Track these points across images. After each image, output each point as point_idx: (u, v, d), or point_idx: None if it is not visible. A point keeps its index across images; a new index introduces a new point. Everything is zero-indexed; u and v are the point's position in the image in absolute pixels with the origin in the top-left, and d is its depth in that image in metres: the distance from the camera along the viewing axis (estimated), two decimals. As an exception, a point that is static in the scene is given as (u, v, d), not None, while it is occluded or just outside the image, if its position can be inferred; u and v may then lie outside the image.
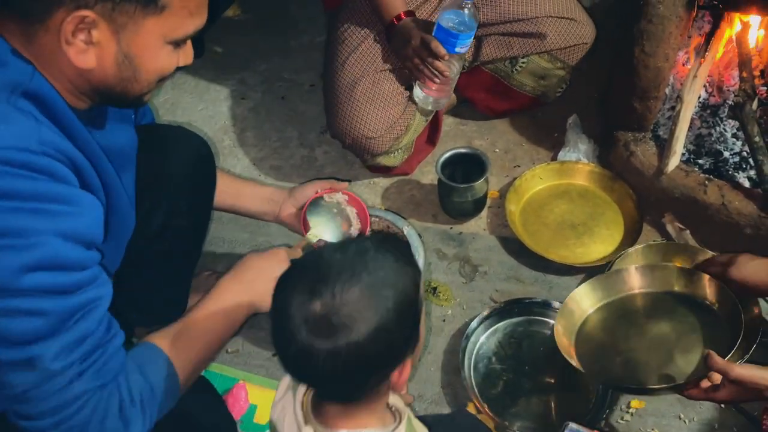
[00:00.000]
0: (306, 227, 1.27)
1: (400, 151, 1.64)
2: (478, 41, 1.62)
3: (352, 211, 1.32)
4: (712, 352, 1.01)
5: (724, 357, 1.03)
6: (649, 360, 1.19)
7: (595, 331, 1.26)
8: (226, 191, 1.29)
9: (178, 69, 0.90)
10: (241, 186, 1.32)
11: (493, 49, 1.62)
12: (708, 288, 1.23)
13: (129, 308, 1.23)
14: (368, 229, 1.30)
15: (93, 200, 0.81)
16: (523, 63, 1.64)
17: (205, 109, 1.96)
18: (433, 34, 1.38)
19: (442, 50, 1.38)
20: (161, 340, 0.94)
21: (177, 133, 1.20)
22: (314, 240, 1.26)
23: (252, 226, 1.64)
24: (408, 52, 1.46)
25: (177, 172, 1.15)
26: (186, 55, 0.89)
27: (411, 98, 1.56)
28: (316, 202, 1.28)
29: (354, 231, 1.31)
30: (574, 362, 1.18)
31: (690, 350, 1.18)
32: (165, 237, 1.17)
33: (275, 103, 1.96)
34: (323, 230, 1.28)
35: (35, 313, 0.74)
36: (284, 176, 1.77)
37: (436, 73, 1.43)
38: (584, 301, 1.29)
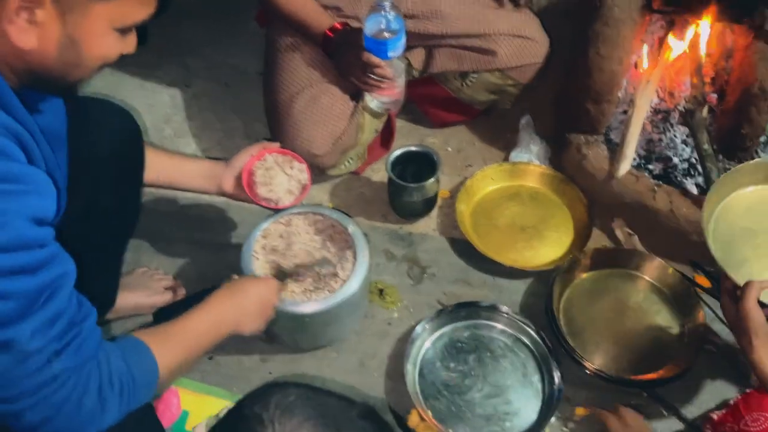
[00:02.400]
0: (253, 193, 1.26)
1: (351, 161, 1.59)
2: (429, 51, 1.58)
3: (293, 165, 1.31)
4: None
5: None
6: None
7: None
8: (165, 167, 1.24)
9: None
10: (180, 161, 1.28)
11: (443, 60, 1.57)
12: None
13: None
14: (311, 179, 1.31)
15: (43, 176, 0.77)
16: (473, 78, 1.60)
17: (146, 97, 1.86)
18: (364, 44, 1.33)
19: (374, 60, 1.34)
20: (148, 337, 0.92)
21: (101, 106, 1.14)
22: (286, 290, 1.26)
23: (191, 222, 1.57)
24: (346, 66, 1.41)
25: (100, 147, 1.08)
26: (130, 43, 0.85)
27: (356, 109, 1.50)
28: (257, 166, 1.28)
29: (303, 182, 1.30)
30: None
31: None
32: (90, 218, 1.10)
33: (219, 90, 1.87)
34: (275, 189, 1.28)
35: (3, 296, 0.71)
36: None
37: (380, 79, 1.38)
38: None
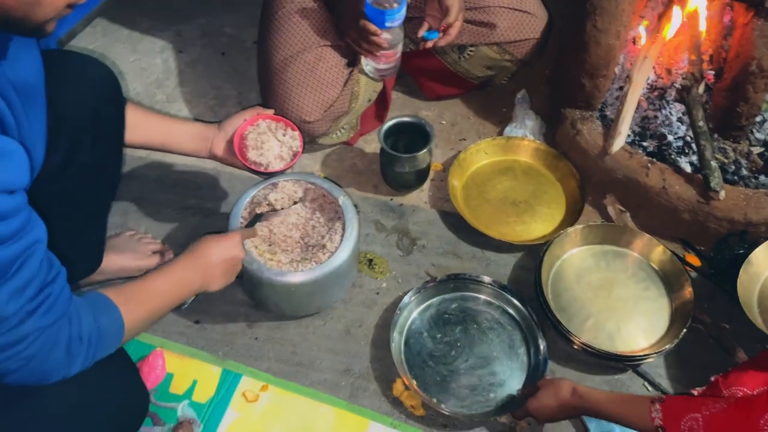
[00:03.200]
0: (243, 157, 1.26)
1: (343, 130, 1.57)
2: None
3: (286, 132, 1.30)
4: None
5: None
6: None
7: None
8: (154, 129, 1.23)
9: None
10: (170, 124, 1.26)
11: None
12: None
13: None
14: (302, 147, 1.30)
15: (17, 146, 0.76)
16: (471, 51, 1.58)
17: (137, 61, 1.84)
18: (364, 10, 1.31)
19: (371, 27, 1.32)
20: (116, 295, 0.94)
21: (79, 59, 1.11)
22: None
23: (180, 187, 1.55)
24: (345, 28, 1.39)
25: (79, 101, 1.06)
26: None
27: (352, 76, 1.48)
28: (251, 131, 1.27)
29: (294, 149, 1.29)
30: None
31: None
32: (68, 174, 1.10)
33: (214, 58, 1.85)
34: (265, 154, 1.27)
35: None
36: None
37: (375, 46, 1.36)
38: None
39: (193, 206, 1.52)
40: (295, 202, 1.32)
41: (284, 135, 1.30)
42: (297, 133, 1.30)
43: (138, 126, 1.18)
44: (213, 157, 1.27)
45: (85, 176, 1.12)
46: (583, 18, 1.47)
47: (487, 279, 1.38)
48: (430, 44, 1.46)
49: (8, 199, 0.73)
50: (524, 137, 1.63)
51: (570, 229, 1.43)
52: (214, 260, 1.11)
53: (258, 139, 1.28)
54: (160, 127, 1.22)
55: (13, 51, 0.84)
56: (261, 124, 1.29)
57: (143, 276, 1.02)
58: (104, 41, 1.87)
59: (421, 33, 1.43)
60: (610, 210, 1.51)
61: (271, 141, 1.28)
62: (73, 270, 1.26)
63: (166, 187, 1.55)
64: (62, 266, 0.84)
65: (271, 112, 1.31)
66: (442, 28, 1.42)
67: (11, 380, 0.79)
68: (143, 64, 1.83)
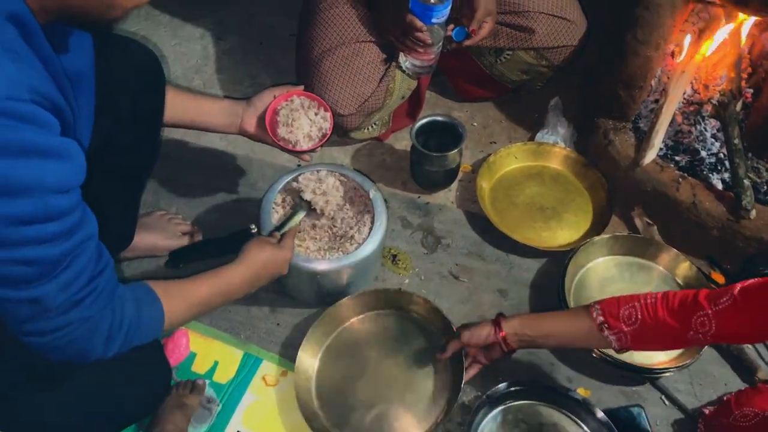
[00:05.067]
0: (273, 132, 1.25)
1: (375, 126, 1.59)
2: None
3: (318, 111, 1.29)
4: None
5: None
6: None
7: None
8: (186, 107, 1.24)
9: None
10: (201, 101, 1.27)
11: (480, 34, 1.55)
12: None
13: None
14: (332, 128, 1.28)
15: (76, 147, 0.78)
16: (507, 55, 1.59)
17: (178, 45, 1.87)
18: (410, 5, 1.32)
19: (417, 23, 1.32)
20: (162, 289, 0.97)
21: (125, 43, 1.13)
22: (301, 216, 1.27)
23: (209, 170, 1.58)
24: (387, 23, 1.40)
25: (123, 84, 1.08)
26: None
27: (388, 72, 1.49)
28: (283, 107, 1.26)
29: (324, 130, 1.28)
30: None
31: None
32: (108, 153, 1.11)
33: (253, 48, 1.88)
34: (294, 131, 1.26)
35: (30, 263, 0.74)
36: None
37: (418, 43, 1.37)
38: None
39: (224, 189, 1.55)
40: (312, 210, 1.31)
41: (316, 114, 1.28)
42: (329, 114, 1.29)
43: (170, 105, 1.19)
44: (243, 132, 1.27)
45: (124, 155, 1.14)
46: (623, 28, 1.47)
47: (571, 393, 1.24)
48: (455, 45, 1.45)
49: (64, 199, 0.75)
50: (555, 144, 1.63)
51: (596, 239, 1.43)
52: (266, 270, 1.14)
53: (290, 116, 1.26)
54: (191, 104, 1.23)
55: (71, 42, 0.87)
56: (295, 100, 1.27)
57: (193, 277, 1.04)
58: (146, 25, 1.90)
59: (450, 32, 1.42)
60: (638, 222, 1.51)
61: (302, 119, 1.27)
62: (105, 245, 1.30)
63: (198, 169, 1.57)
64: (110, 257, 0.86)
65: (301, 88, 1.30)
66: (472, 29, 1.42)
67: (54, 357, 0.84)
68: (183, 49, 1.86)
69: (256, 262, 1.13)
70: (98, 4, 0.76)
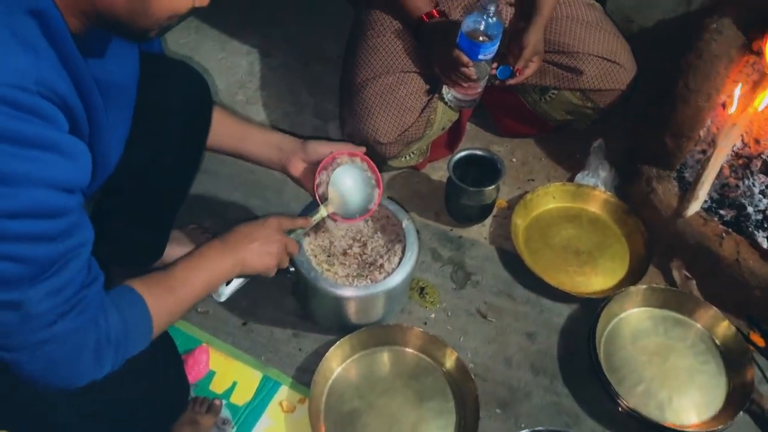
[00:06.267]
0: (318, 192, 1.19)
1: (412, 155, 1.57)
2: None
3: (371, 182, 1.23)
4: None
5: None
6: None
7: None
8: (232, 133, 1.21)
9: (194, 10, 0.82)
10: (249, 129, 1.23)
11: (526, 72, 1.51)
12: None
13: (104, 241, 1.19)
14: (377, 204, 1.23)
15: (83, 147, 0.76)
16: (553, 94, 1.56)
17: (224, 59, 1.89)
18: (457, 40, 1.31)
19: (464, 59, 1.30)
20: (140, 285, 0.91)
21: (176, 65, 1.13)
22: (325, 213, 1.18)
23: (247, 187, 1.58)
24: (433, 56, 1.39)
25: (170, 105, 1.08)
26: None
27: (430, 103, 1.48)
28: (340, 170, 1.19)
29: (370, 205, 1.23)
30: None
31: None
32: (150, 171, 1.12)
33: (298, 66, 1.89)
34: (342, 200, 1.20)
35: (19, 260, 0.70)
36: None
37: (463, 78, 1.35)
38: None
39: (258, 207, 1.55)
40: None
41: (365, 184, 1.23)
42: (379, 191, 1.23)
43: (216, 130, 1.18)
44: (285, 171, 1.23)
45: (163, 174, 1.14)
46: (674, 75, 1.44)
47: None
48: (499, 83, 1.44)
49: (63, 198, 0.72)
50: (595, 187, 1.59)
51: (632, 288, 1.39)
52: (246, 240, 1.06)
53: (340, 179, 1.20)
54: (238, 132, 1.21)
55: (111, 50, 0.86)
56: (350, 163, 1.21)
57: (171, 264, 0.99)
58: (196, 37, 1.93)
59: (494, 70, 1.40)
60: (676, 275, 1.46)
61: (350, 185, 1.21)
62: (136, 258, 1.31)
63: (234, 185, 1.58)
64: (101, 271, 0.83)
65: (363, 150, 1.24)
66: (518, 68, 1.40)
67: (40, 382, 0.78)
68: (229, 63, 1.88)
69: (230, 233, 1.06)
70: (129, 11, 0.76)
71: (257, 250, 1.07)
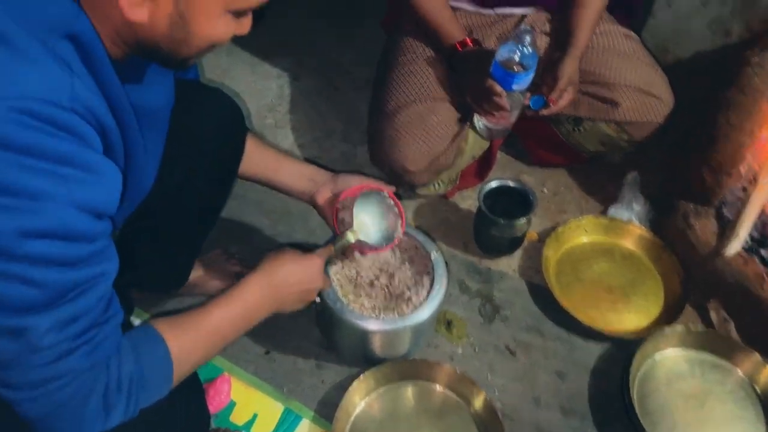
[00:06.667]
0: (337, 223, 1.18)
1: (441, 183, 1.55)
2: None
3: (394, 210, 1.22)
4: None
5: None
6: None
7: None
8: (266, 163, 1.20)
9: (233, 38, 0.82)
10: (283, 160, 1.22)
11: (560, 102, 1.47)
12: None
13: (128, 265, 1.18)
14: (399, 239, 1.21)
15: (114, 170, 0.74)
16: (587, 125, 1.53)
17: (255, 83, 1.89)
18: (490, 69, 1.28)
19: (497, 88, 1.28)
20: (166, 327, 0.86)
21: (210, 92, 1.12)
22: (352, 239, 1.16)
23: (276, 214, 1.56)
24: (466, 84, 1.37)
25: (203, 132, 1.06)
26: (244, 25, 0.80)
27: (461, 132, 1.46)
28: (361, 198, 1.17)
29: (391, 238, 1.20)
30: None
31: None
32: (181, 197, 1.10)
33: (328, 91, 1.88)
34: (365, 229, 1.17)
35: (32, 283, 0.66)
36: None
37: (495, 107, 1.32)
38: None
39: (285, 234, 1.53)
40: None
41: (387, 213, 1.20)
42: (401, 225, 1.21)
43: (249, 158, 1.17)
44: (313, 203, 1.22)
45: (195, 201, 1.13)
46: (715, 110, 1.40)
47: None
48: (532, 113, 1.41)
49: (89, 221, 0.69)
50: (629, 221, 1.55)
51: (668, 329, 1.34)
52: (290, 284, 1.02)
53: (362, 209, 1.17)
54: (272, 162, 1.20)
55: (148, 76, 0.86)
56: (375, 197, 1.19)
57: (206, 302, 0.93)
58: (227, 60, 1.94)
59: (527, 100, 1.38)
60: (713, 316, 1.41)
61: (372, 217, 1.19)
62: (159, 283, 1.29)
63: (262, 211, 1.56)
64: (121, 310, 0.78)
65: (392, 189, 1.21)
66: (551, 99, 1.37)
67: (42, 428, 0.73)
68: (259, 86, 1.88)
69: (276, 266, 1.00)
70: (171, 40, 0.75)
71: (298, 296, 1.05)
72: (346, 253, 1.26)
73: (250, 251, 1.49)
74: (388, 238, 1.20)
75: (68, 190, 0.66)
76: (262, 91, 1.87)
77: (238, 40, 1.97)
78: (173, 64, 0.81)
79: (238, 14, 0.78)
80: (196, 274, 1.36)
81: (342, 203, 1.18)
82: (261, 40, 1.99)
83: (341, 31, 2.05)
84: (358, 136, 1.75)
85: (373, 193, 1.19)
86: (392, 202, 1.21)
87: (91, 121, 0.70)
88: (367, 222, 1.18)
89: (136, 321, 1.34)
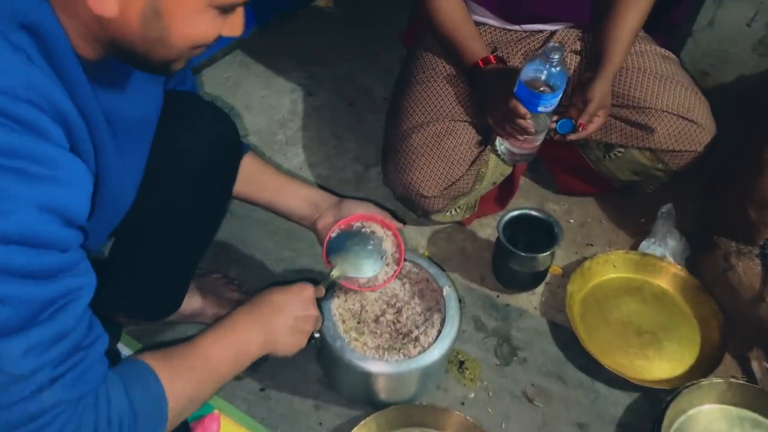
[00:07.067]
0: (327, 255, 1.09)
1: (459, 210, 1.44)
2: None
3: (390, 251, 1.13)
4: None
5: None
6: None
7: None
8: (264, 184, 1.12)
9: (222, 40, 0.74)
10: (283, 181, 1.14)
11: (590, 126, 1.35)
12: None
13: (116, 292, 1.11)
14: (396, 274, 1.11)
15: (82, 169, 0.65)
16: (619, 152, 1.41)
17: (267, 97, 1.81)
18: (514, 89, 1.18)
19: (521, 110, 1.17)
20: (156, 361, 0.78)
21: (204, 106, 1.03)
22: (337, 277, 1.08)
23: (280, 236, 1.47)
24: (488, 104, 1.27)
25: (193, 149, 0.97)
26: (233, 26, 0.72)
27: (481, 156, 1.35)
28: (352, 228, 1.11)
29: (389, 272, 1.11)
30: None
31: None
32: (168, 218, 1.02)
33: (343, 107, 1.79)
34: (349, 266, 1.09)
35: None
36: (329, 188, 1.58)
37: (519, 130, 1.22)
38: None
39: (287, 259, 1.43)
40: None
41: (386, 249, 1.13)
42: (400, 259, 1.12)
43: (248, 179, 1.10)
44: (314, 230, 1.14)
45: (184, 224, 1.04)
46: (759, 141, 1.27)
47: None
48: (558, 137, 1.30)
49: (59, 227, 0.61)
50: (663, 258, 1.42)
51: (704, 382, 1.21)
52: (281, 316, 0.95)
53: (357, 239, 1.11)
54: (271, 184, 1.12)
55: (132, 83, 0.78)
56: (372, 228, 1.12)
57: (194, 336, 0.86)
58: (239, 72, 1.86)
59: (554, 123, 1.27)
60: (755, 367, 1.27)
61: (366, 251, 1.11)
62: (149, 310, 1.21)
63: (265, 233, 1.47)
64: (105, 333, 0.70)
65: (399, 226, 1.14)
66: (580, 123, 1.26)
67: None
68: (271, 101, 1.80)
69: (265, 299, 0.94)
70: (145, 39, 0.67)
71: (292, 329, 0.96)
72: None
73: (251, 277, 1.40)
74: (379, 274, 1.11)
75: (28, 187, 0.58)
76: (274, 106, 1.79)
77: (252, 52, 1.91)
78: (153, 68, 0.72)
79: (225, 10, 0.69)
80: (191, 300, 1.27)
81: (336, 233, 1.10)
82: (276, 52, 1.92)
83: (361, 44, 1.96)
84: (373, 157, 1.65)
85: (362, 225, 1.11)
86: (385, 233, 1.13)
87: (52, 113, 0.62)
88: (351, 257, 1.09)
89: (125, 351, 1.25)
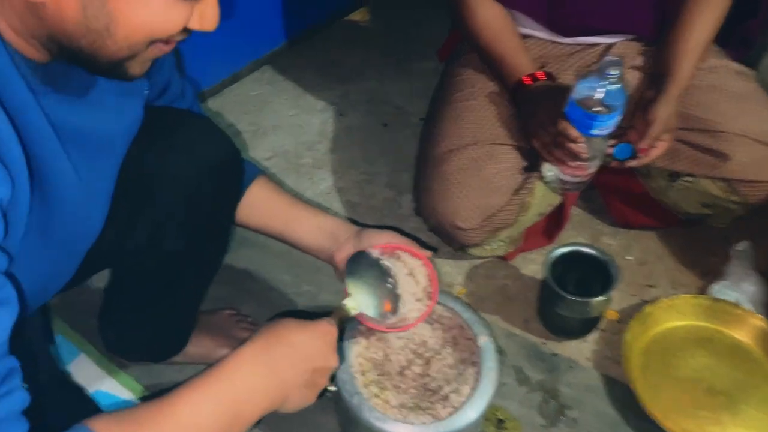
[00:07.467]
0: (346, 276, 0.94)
1: (501, 243, 1.29)
2: None
3: (423, 284, 0.98)
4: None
5: None
6: None
7: None
8: (275, 212, 0.99)
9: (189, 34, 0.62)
10: (298, 210, 1.00)
11: (653, 152, 1.19)
12: None
13: (112, 332, 1.02)
14: (429, 311, 0.96)
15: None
16: (687, 181, 1.24)
17: (296, 116, 1.71)
18: (565, 109, 1.05)
19: (572, 132, 1.04)
20: (108, 426, 0.60)
21: (196, 124, 0.89)
22: (352, 311, 0.92)
23: (300, 268, 1.34)
24: (534, 126, 1.13)
25: (180, 174, 0.84)
26: (204, 16, 0.60)
27: (526, 184, 1.21)
28: (372, 259, 0.95)
29: (421, 309, 0.96)
30: None
31: None
32: (156, 253, 0.90)
33: (375, 128, 1.67)
34: (365, 301, 0.93)
35: None
36: (358, 216, 1.46)
37: (570, 155, 1.09)
38: None
39: (306, 294, 1.31)
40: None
41: (417, 287, 0.98)
42: (434, 293, 0.98)
43: (257, 207, 0.98)
44: (332, 263, 1.00)
45: (173, 262, 0.92)
46: None
47: None
48: (616, 164, 1.16)
49: None
50: (737, 304, 1.24)
51: (794, 459, 1.01)
52: (295, 362, 0.75)
53: (370, 275, 0.95)
54: (284, 213, 0.99)
55: (93, 94, 0.67)
56: (400, 260, 0.98)
57: (171, 391, 0.67)
58: (267, 90, 1.77)
59: (611, 148, 1.13)
60: None
61: (379, 294, 0.95)
62: (151, 351, 1.10)
63: (284, 265, 1.34)
64: (22, 389, 0.55)
65: (428, 254, 0.98)
66: (641, 149, 1.12)
67: None
68: (300, 121, 1.69)
69: (279, 339, 0.73)
70: (88, 30, 0.57)
71: (306, 380, 0.77)
72: (372, 330, 1.01)
73: (267, 313, 1.27)
74: (411, 314, 0.96)
75: None
76: (302, 126, 1.68)
77: (282, 69, 1.82)
78: (103, 69, 0.61)
79: None
80: (198, 339, 1.15)
81: (349, 268, 0.94)
82: (308, 70, 1.82)
83: (397, 61, 1.85)
84: (407, 183, 1.52)
85: (399, 257, 0.97)
86: (414, 263, 0.98)
87: None
88: (370, 291, 0.93)
89: (130, 397, 1.13)
